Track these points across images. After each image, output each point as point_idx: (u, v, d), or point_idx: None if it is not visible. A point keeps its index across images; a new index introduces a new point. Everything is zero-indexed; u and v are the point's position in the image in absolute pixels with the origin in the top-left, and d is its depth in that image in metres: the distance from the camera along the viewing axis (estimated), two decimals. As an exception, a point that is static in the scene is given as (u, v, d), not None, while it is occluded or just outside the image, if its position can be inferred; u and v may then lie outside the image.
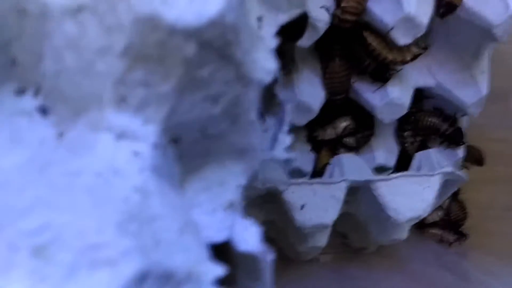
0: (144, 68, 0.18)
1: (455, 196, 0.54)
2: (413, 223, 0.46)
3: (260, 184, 0.43)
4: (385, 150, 0.52)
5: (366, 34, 0.43)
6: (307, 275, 0.57)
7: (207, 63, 0.18)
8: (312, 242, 0.49)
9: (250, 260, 0.24)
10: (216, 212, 0.22)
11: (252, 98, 0.21)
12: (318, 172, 0.51)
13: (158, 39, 0.17)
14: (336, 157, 0.50)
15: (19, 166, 0.18)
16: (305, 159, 0.52)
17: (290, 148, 0.28)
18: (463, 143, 0.48)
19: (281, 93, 0.28)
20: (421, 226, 0.57)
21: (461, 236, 0.55)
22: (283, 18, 0.26)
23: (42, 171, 0.17)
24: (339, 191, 0.44)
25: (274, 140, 0.28)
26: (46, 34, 0.18)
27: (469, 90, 0.45)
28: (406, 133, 0.51)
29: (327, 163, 0.50)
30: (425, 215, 0.44)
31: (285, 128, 0.28)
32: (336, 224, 0.55)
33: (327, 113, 0.51)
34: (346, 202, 0.52)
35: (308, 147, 0.52)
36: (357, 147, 0.51)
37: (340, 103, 0.48)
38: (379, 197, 0.44)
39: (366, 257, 0.57)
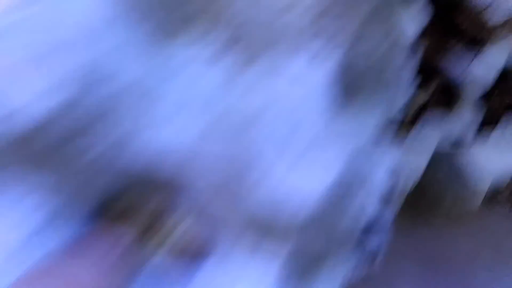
0: (331, 11, 0.23)
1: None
2: (495, 184, 0.49)
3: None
4: (468, 122, 0.55)
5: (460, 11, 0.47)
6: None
7: (376, 14, 0.23)
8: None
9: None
10: (364, 134, 0.27)
11: (404, 46, 0.26)
12: (402, 138, 0.55)
13: None
14: (421, 124, 0.54)
15: (219, 85, 0.24)
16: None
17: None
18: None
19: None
20: (496, 195, 0.61)
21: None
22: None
23: (249, 88, 0.22)
24: (423, 157, 0.48)
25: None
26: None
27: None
28: (489, 105, 0.54)
29: (411, 129, 0.54)
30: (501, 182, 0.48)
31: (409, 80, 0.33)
32: (411, 195, 0.60)
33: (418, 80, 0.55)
34: (425, 173, 0.56)
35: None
36: (444, 108, 0.55)
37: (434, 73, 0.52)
38: (459, 165, 0.48)
39: (440, 224, 0.62)
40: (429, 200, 0.53)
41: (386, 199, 0.29)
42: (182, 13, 0.23)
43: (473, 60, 0.45)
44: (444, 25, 0.46)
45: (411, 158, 0.45)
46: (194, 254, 0.21)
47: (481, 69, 0.46)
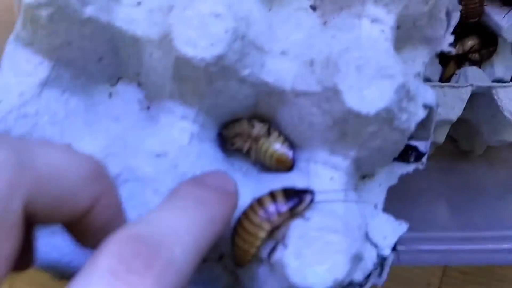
0: None
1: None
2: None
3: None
4: (504, 66, 0.62)
5: None
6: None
7: None
8: (434, 137, 0.61)
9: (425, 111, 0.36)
10: (410, 77, 0.35)
11: (445, 2, 0.33)
12: (444, 81, 0.62)
13: None
14: (462, 68, 0.61)
15: (308, 37, 0.32)
16: (433, 70, 0.63)
17: (451, 45, 0.40)
18: None
19: (450, 4, 0.40)
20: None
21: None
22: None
23: (333, 38, 0.31)
24: (465, 94, 0.56)
25: (442, 37, 0.40)
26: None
27: None
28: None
29: (453, 74, 0.62)
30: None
31: (450, 29, 0.40)
32: (451, 129, 0.67)
33: (458, 31, 0.61)
34: (464, 108, 0.63)
35: (437, 60, 0.63)
36: (480, 61, 0.61)
37: (473, 25, 0.58)
38: (497, 101, 0.55)
39: (473, 159, 0.69)
40: (468, 132, 0.60)
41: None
42: None
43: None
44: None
45: (456, 93, 0.52)
46: (289, 164, 0.31)
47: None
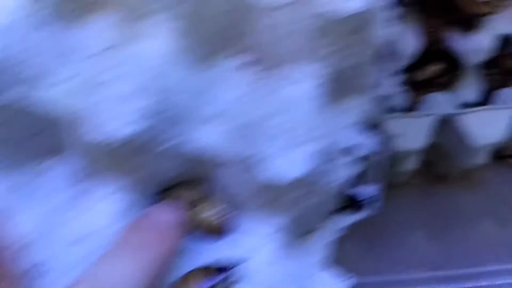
0: (319, 39, 0.30)
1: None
2: (490, 148, 0.56)
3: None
4: (470, 89, 0.61)
5: None
6: (398, 195, 0.69)
7: (357, 32, 0.30)
8: (404, 166, 0.61)
9: (369, 158, 0.36)
10: (349, 127, 0.35)
11: (375, 53, 0.33)
12: (410, 108, 0.62)
13: (331, 23, 0.29)
14: (427, 95, 0.60)
15: (243, 96, 0.32)
16: (400, 98, 0.63)
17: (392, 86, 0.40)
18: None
19: (393, 47, 0.40)
20: (501, 156, 0.67)
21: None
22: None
23: (263, 99, 0.31)
24: (428, 123, 0.55)
25: (382, 81, 0.40)
26: (255, 19, 0.32)
27: (548, 36, 0.53)
28: (490, 73, 0.60)
29: (418, 101, 0.61)
30: (501, 141, 0.54)
31: (393, 72, 0.40)
32: (426, 153, 0.66)
33: (421, 58, 0.61)
34: (434, 133, 0.63)
35: (403, 88, 0.63)
36: (445, 86, 0.61)
37: (434, 51, 0.58)
38: (462, 127, 0.55)
39: (450, 181, 0.68)
40: (441, 156, 0.60)
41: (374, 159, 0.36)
42: (220, 38, 0.31)
43: (471, 33, 0.51)
44: (441, 7, 0.52)
45: (418, 123, 0.52)
46: (223, 231, 0.30)
47: (481, 40, 0.51)
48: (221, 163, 0.30)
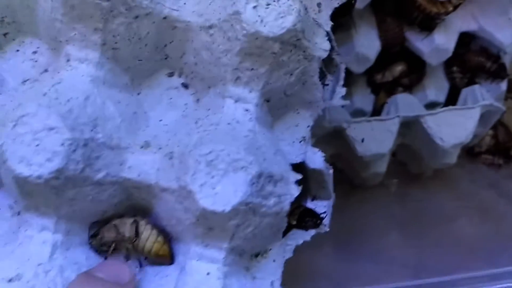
0: (250, 60, 0.29)
1: (502, 123, 0.62)
2: (458, 148, 0.55)
3: (327, 123, 0.54)
4: (436, 88, 0.61)
5: None
6: (372, 197, 0.68)
7: (286, 52, 0.29)
8: (373, 169, 0.60)
9: (318, 174, 0.35)
10: (295, 144, 0.34)
11: (315, 68, 0.32)
12: (377, 110, 0.61)
13: (258, 44, 0.28)
14: (392, 96, 0.59)
15: (177, 120, 0.31)
16: (366, 101, 0.62)
17: (344, 97, 0.39)
18: (506, 77, 0.56)
19: (337, 58, 0.39)
20: (474, 153, 0.66)
21: (509, 158, 0.63)
22: (337, 2, 0.36)
23: (197, 123, 0.30)
24: (393, 126, 0.54)
25: (333, 92, 0.39)
26: (188, 40, 0.31)
27: (506, 31, 0.53)
28: (455, 71, 0.59)
29: (384, 103, 0.60)
30: (467, 141, 0.53)
31: (341, 82, 0.39)
32: (397, 154, 0.66)
33: (384, 59, 0.60)
34: (403, 134, 0.62)
35: (368, 90, 0.62)
36: (410, 86, 0.60)
37: (396, 52, 0.57)
38: (427, 129, 0.54)
39: (424, 181, 0.68)
40: (413, 157, 0.59)
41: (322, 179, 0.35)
42: (151, 61, 0.30)
43: (431, 33, 0.50)
44: (399, 8, 0.51)
45: (383, 126, 0.51)
46: (162, 260, 0.29)
47: (442, 39, 0.50)
48: (155, 192, 0.29)
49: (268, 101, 0.31)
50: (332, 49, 0.37)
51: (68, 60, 0.29)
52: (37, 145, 0.25)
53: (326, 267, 0.61)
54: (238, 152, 0.27)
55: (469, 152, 0.65)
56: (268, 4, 0.27)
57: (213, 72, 0.30)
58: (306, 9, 0.29)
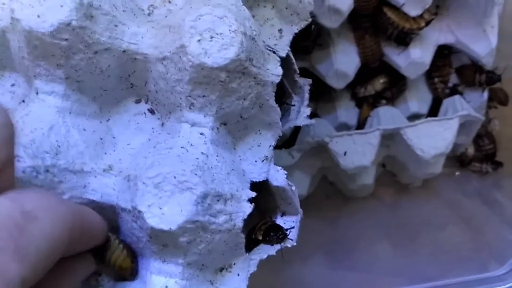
0: (200, 88, 0.32)
1: (487, 131, 0.63)
2: (439, 158, 0.56)
3: (311, 138, 0.56)
4: (418, 100, 0.62)
5: (385, 9, 0.53)
6: (364, 208, 0.70)
7: (235, 79, 0.31)
8: (360, 181, 0.61)
9: (282, 191, 0.37)
10: (257, 163, 0.36)
11: (270, 92, 0.34)
12: (361, 124, 0.63)
13: (205, 74, 0.31)
14: (374, 110, 0.61)
15: (143, 144, 0.34)
16: (350, 114, 0.64)
17: (309, 116, 0.41)
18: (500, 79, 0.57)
19: (300, 80, 0.41)
20: (462, 162, 0.67)
21: (497, 165, 0.64)
22: (296, 28, 0.38)
23: (155, 147, 0.32)
24: (374, 138, 0.56)
25: (298, 111, 0.41)
26: (148, 70, 0.33)
27: (482, 43, 0.54)
28: (436, 82, 0.60)
29: (368, 116, 0.62)
30: (447, 151, 0.55)
31: (306, 103, 0.41)
32: (386, 165, 0.67)
33: (366, 74, 0.62)
34: (387, 146, 0.64)
35: (352, 104, 0.64)
36: (393, 99, 0.62)
37: (376, 67, 0.59)
38: (408, 140, 0.55)
39: (413, 190, 0.69)
40: (400, 168, 0.60)
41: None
42: (117, 91, 0.33)
43: (407, 47, 0.52)
44: (375, 25, 0.53)
45: (365, 139, 0.52)
46: (125, 273, 0.32)
47: (418, 52, 0.52)
48: (117, 212, 0.31)
49: (225, 124, 0.33)
50: (294, 71, 0.40)
51: (37, 93, 0.31)
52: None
53: (317, 277, 0.63)
54: (184, 174, 0.29)
55: (458, 160, 0.66)
56: (211, 37, 0.29)
57: (170, 99, 0.32)
58: (253, 39, 0.30)
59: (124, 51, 0.31)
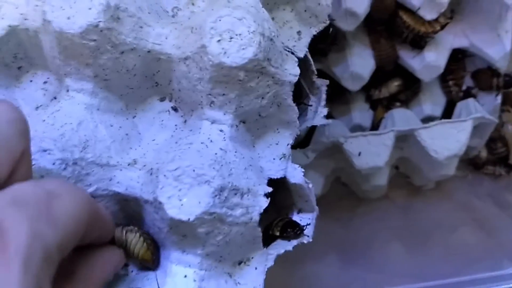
0: (220, 87, 0.33)
1: (500, 135, 0.64)
2: (452, 160, 0.57)
3: (326, 139, 0.58)
4: (432, 103, 0.63)
5: (401, 13, 0.55)
6: (377, 209, 0.71)
7: (253, 79, 0.33)
8: (373, 182, 0.62)
9: (299, 188, 0.38)
10: (275, 160, 0.37)
11: (287, 91, 0.35)
12: (375, 125, 0.64)
13: (224, 73, 0.32)
14: (389, 111, 0.62)
15: (166, 140, 0.35)
16: (364, 116, 0.65)
17: (325, 117, 0.42)
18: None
19: (318, 81, 0.42)
20: (476, 164, 0.68)
21: (510, 168, 0.64)
22: (314, 30, 0.40)
23: (177, 142, 0.34)
24: (388, 140, 0.57)
25: (315, 112, 0.43)
26: (171, 70, 0.35)
27: (496, 47, 0.55)
28: (451, 85, 0.61)
29: (382, 118, 0.63)
30: (460, 153, 0.55)
31: (323, 103, 0.42)
32: (400, 167, 0.68)
33: (381, 76, 0.63)
34: (401, 148, 0.65)
35: (366, 106, 0.65)
36: (407, 102, 0.63)
37: (391, 69, 0.60)
38: (421, 142, 0.56)
39: (426, 192, 0.69)
40: (413, 169, 0.61)
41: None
42: (142, 89, 0.34)
43: (422, 50, 0.53)
44: (390, 28, 0.54)
45: (379, 140, 0.54)
46: (146, 263, 0.33)
47: (433, 56, 0.53)
48: (141, 204, 0.33)
49: (244, 122, 0.35)
50: (312, 72, 0.41)
51: (67, 91, 0.33)
52: (33, 165, 0.30)
53: (330, 277, 0.64)
54: (202, 168, 0.30)
55: (471, 163, 0.67)
56: (231, 38, 0.31)
57: (192, 97, 0.34)
58: (272, 40, 0.32)
59: (149, 51, 0.33)
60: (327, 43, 0.50)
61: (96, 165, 0.32)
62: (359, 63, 0.56)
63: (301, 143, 0.58)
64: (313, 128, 0.59)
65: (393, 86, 0.59)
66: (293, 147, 0.57)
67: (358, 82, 0.56)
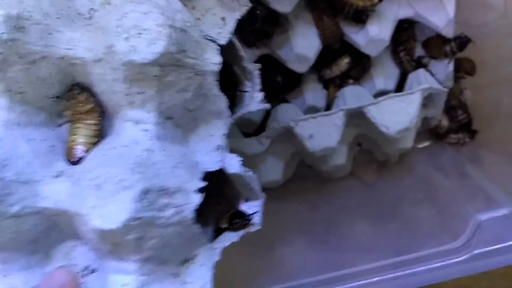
0: (137, 85, 0.32)
1: (460, 102, 0.64)
2: (405, 133, 0.57)
3: (276, 124, 0.57)
4: (384, 77, 0.62)
5: None
6: (342, 188, 0.70)
7: (170, 73, 0.32)
8: (332, 162, 0.62)
9: (238, 178, 0.38)
10: (211, 152, 0.36)
11: (212, 81, 0.34)
12: (329, 105, 0.63)
13: (137, 70, 0.31)
14: (340, 90, 0.61)
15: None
16: (318, 97, 0.64)
17: (262, 101, 0.41)
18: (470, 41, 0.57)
19: (249, 65, 0.41)
20: (438, 135, 0.67)
21: (473, 133, 0.64)
22: (238, 14, 0.39)
23: (101, 148, 0.33)
24: (338, 119, 0.56)
25: (251, 97, 0.42)
26: (89, 74, 0.33)
27: (440, 14, 0.54)
28: (402, 56, 0.61)
29: (335, 97, 0.62)
30: (412, 126, 0.55)
31: (257, 87, 0.41)
32: (362, 143, 0.68)
33: (330, 55, 0.62)
34: (357, 125, 0.64)
35: (319, 86, 0.64)
36: (359, 78, 0.62)
37: (338, 47, 0.59)
38: (372, 118, 0.56)
39: (391, 167, 0.69)
40: (373, 145, 0.61)
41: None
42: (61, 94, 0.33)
43: (365, 25, 0.52)
44: (331, 5, 0.53)
45: (329, 120, 0.53)
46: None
47: (374, 30, 0.52)
48: (72, 216, 0.32)
49: (171, 118, 0.34)
50: (241, 58, 0.40)
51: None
52: None
53: (300, 260, 0.64)
54: (123, 173, 0.29)
55: (433, 133, 0.66)
56: (139, 34, 0.30)
57: (113, 99, 0.32)
58: (185, 30, 0.31)
59: (62, 58, 0.32)
60: (257, 25, 0.49)
61: (18, 182, 0.30)
62: (303, 44, 0.55)
63: (257, 130, 0.57)
64: (267, 114, 0.58)
65: (343, 64, 0.58)
66: (249, 134, 0.56)
67: (304, 63, 0.55)
